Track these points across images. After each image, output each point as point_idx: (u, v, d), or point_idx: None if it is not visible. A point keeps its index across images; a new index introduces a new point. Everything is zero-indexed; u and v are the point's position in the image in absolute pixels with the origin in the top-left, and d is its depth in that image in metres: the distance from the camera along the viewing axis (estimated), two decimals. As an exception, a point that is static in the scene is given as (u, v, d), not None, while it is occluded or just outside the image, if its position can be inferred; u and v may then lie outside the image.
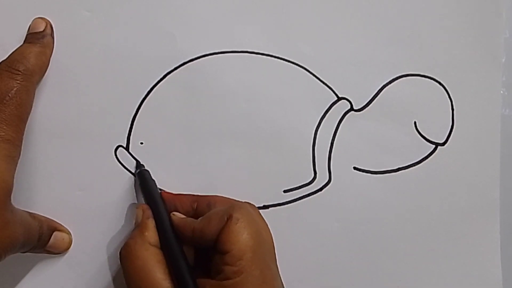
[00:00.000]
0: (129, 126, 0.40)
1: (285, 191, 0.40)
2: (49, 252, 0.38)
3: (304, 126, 0.41)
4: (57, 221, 0.39)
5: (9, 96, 0.34)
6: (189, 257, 0.34)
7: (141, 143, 0.40)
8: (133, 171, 0.39)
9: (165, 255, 0.34)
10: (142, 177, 0.38)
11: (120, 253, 0.35)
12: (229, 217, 0.33)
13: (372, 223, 0.41)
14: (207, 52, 0.40)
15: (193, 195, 0.38)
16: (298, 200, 0.40)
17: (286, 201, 0.40)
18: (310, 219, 0.40)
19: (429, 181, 0.41)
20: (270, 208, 0.40)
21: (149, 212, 0.36)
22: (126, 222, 0.39)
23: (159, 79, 0.40)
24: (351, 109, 0.41)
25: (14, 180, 0.34)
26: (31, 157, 0.39)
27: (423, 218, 0.41)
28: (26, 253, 0.36)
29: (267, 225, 0.36)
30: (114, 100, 0.39)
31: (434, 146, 0.41)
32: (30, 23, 0.38)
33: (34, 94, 0.37)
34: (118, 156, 0.39)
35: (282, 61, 0.41)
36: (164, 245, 0.34)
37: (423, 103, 0.41)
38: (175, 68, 0.40)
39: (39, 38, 0.38)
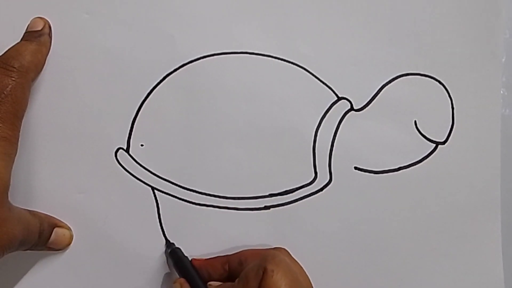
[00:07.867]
0: (129, 128, 0.40)
1: (286, 192, 0.40)
2: (51, 248, 0.38)
3: (304, 126, 0.41)
4: (57, 221, 0.39)
5: (4, 93, 0.34)
6: None
7: (142, 145, 0.40)
8: (133, 173, 0.39)
9: None
10: (175, 256, 0.38)
11: None
12: (264, 271, 0.33)
13: (373, 222, 0.41)
14: (207, 53, 0.40)
15: (223, 256, 0.39)
16: (299, 200, 0.40)
17: (287, 202, 0.40)
18: (311, 220, 0.40)
19: (430, 180, 0.41)
20: (271, 209, 0.40)
21: (187, 286, 0.37)
22: (127, 225, 0.39)
23: (158, 80, 0.40)
24: (351, 109, 0.41)
25: (13, 179, 0.34)
26: (31, 160, 0.38)
27: (424, 217, 0.41)
28: (27, 253, 0.36)
29: (301, 267, 0.37)
30: (114, 102, 0.39)
31: (434, 145, 0.41)
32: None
33: (30, 91, 0.36)
34: (118, 158, 0.39)
35: (282, 61, 0.41)
36: None
37: (423, 102, 0.41)
38: (175, 70, 0.40)
39: (36, 36, 0.38)
